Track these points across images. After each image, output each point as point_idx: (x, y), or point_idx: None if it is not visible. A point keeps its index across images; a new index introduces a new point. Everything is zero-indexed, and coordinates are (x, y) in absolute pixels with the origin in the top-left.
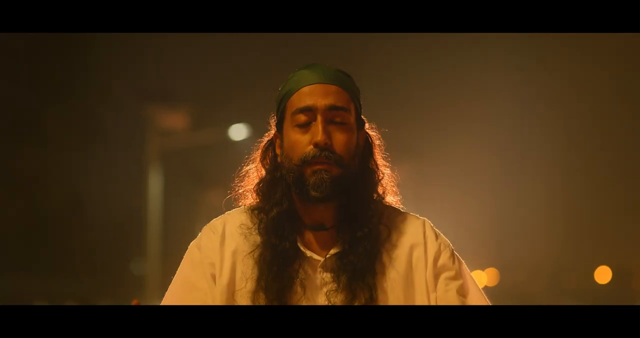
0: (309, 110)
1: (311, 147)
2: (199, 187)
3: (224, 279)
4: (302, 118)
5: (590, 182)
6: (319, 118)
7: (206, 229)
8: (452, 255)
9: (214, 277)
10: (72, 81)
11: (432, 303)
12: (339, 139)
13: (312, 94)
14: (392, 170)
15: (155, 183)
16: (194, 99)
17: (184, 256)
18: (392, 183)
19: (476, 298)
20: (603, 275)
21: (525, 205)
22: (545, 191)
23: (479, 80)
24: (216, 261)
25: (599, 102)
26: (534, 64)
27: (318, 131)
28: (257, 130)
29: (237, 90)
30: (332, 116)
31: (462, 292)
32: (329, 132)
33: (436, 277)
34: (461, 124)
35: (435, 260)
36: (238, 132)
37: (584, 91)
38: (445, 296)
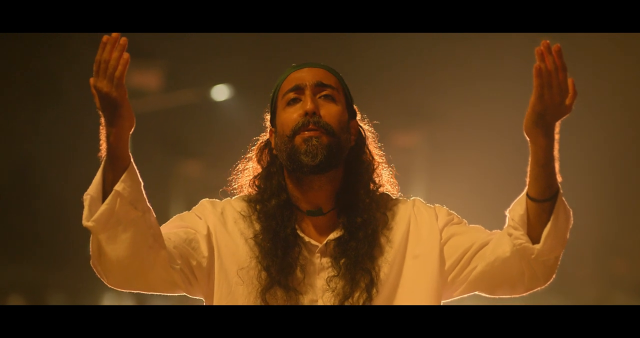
0: (298, 88)
1: (301, 117)
2: (174, 155)
3: (221, 247)
4: (292, 96)
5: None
6: (307, 92)
7: (205, 201)
8: (449, 212)
9: (207, 236)
10: (24, 34)
11: (441, 256)
12: (328, 109)
13: (300, 75)
14: (388, 161)
15: None
16: (169, 56)
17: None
18: (389, 174)
19: (486, 231)
20: None
21: (562, 176)
22: (588, 160)
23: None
24: (211, 225)
25: None
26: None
27: (307, 101)
28: (240, 90)
29: (219, 47)
30: (320, 91)
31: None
32: (317, 103)
33: (441, 230)
34: (482, 82)
35: (436, 220)
36: (220, 92)
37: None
38: (454, 231)
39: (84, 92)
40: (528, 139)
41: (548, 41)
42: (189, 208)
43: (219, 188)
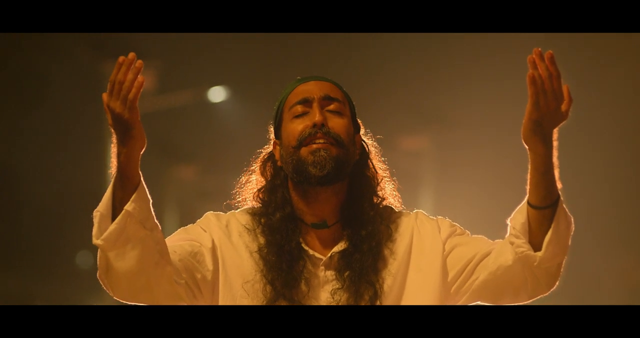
0: (306, 101)
1: (308, 128)
2: (169, 158)
3: (226, 260)
4: (299, 109)
5: None
6: (315, 104)
7: (210, 214)
8: (452, 223)
9: (212, 249)
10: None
11: (444, 268)
12: (336, 121)
13: (307, 88)
14: (395, 166)
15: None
16: (164, 56)
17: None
18: (392, 187)
19: (489, 242)
20: None
21: (577, 173)
22: (610, 161)
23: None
24: (216, 238)
25: None
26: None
27: (315, 113)
28: (238, 91)
29: (216, 47)
30: (328, 104)
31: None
32: (325, 116)
33: (444, 242)
34: (493, 80)
35: (438, 232)
36: (216, 94)
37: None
38: (456, 242)
39: (72, 95)
40: (527, 147)
41: (540, 49)
42: (183, 213)
43: (214, 193)
